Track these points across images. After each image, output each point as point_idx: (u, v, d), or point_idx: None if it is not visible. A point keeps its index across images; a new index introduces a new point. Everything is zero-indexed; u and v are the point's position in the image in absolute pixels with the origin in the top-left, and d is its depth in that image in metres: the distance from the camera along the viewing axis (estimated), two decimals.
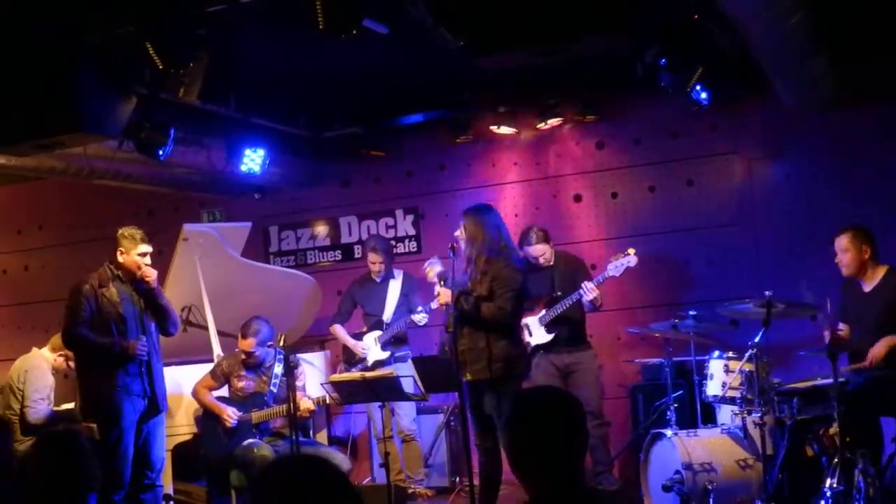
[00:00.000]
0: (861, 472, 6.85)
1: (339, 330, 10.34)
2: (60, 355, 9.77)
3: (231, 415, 8.78)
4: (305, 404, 8.72)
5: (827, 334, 7.53)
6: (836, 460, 7.02)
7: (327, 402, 8.92)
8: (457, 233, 7.90)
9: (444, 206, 11.24)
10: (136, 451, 8.07)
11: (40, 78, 7.74)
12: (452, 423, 10.43)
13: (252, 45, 8.41)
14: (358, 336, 10.19)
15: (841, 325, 7.94)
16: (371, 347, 10.04)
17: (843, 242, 7.95)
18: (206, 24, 7.43)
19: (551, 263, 9.46)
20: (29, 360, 9.72)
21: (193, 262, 9.73)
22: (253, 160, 10.04)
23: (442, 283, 7.76)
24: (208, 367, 9.20)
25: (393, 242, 11.31)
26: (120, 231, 8.16)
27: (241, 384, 8.97)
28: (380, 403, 8.40)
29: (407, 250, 11.40)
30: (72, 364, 9.58)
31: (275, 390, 8.91)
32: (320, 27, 6.70)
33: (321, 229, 11.95)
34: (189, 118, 9.31)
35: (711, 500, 7.66)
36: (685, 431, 8.13)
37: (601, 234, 10.67)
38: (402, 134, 11.28)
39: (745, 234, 10.17)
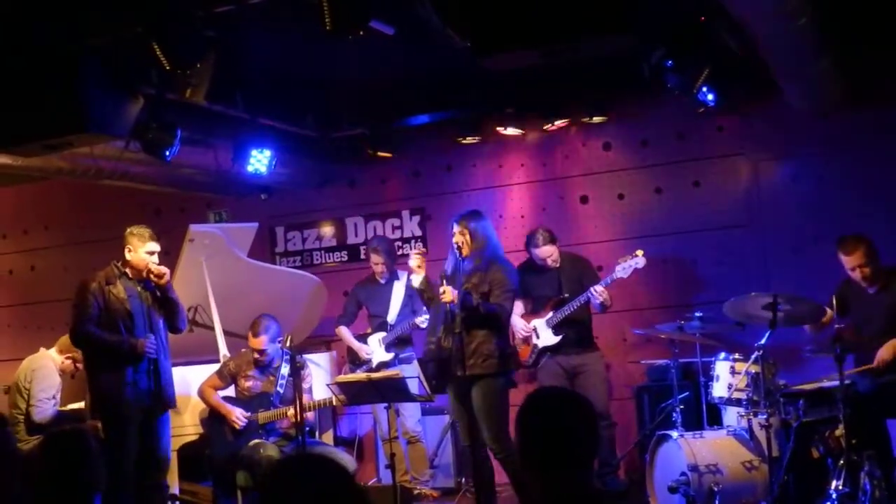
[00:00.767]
0: (867, 474, 6.86)
1: (344, 331, 10.35)
2: (68, 358, 9.77)
3: (240, 416, 8.78)
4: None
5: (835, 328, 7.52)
6: (841, 462, 7.03)
7: (333, 402, 8.92)
8: (457, 239, 7.92)
9: (451, 207, 11.20)
10: (143, 451, 8.08)
11: (47, 78, 7.74)
12: (458, 424, 10.41)
13: (259, 45, 8.41)
14: (363, 337, 10.20)
15: (840, 323, 7.92)
16: (375, 349, 10.05)
17: (858, 259, 7.88)
18: (213, 25, 7.43)
19: (558, 265, 9.46)
20: (36, 361, 9.73)
21: (200, 262, 9.74)
22: (259, 161, 10.04)
23: (444, 281, 7.77)
24: (214, 367, 9.20)
25: (399, 243, 11.31)
26: (129, 229, 8.18)
27: (247, 384, 8.97)
28: (385, 405, 8.39)
29: (413, 251, 11.38)
30: (79, 366, 9.58)
31: (281, 391, 8.91)
32: (327, 28, 6.69)
33: (327, 230, 11.96)
34: (196, 118, 9.32)
35: (717, 502, 7.68)
36: (691, 433, 8.13)
37: (607, 235, 10.65)
38: (409, 135, 11.27)
39: (751, 235, 10.15)
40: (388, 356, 9.99)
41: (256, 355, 8.94)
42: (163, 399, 8.21)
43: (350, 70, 9.30)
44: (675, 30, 8.26)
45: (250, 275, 10.21)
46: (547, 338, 9.21)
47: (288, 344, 8.39)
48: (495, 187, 11.12)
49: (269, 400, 8.89)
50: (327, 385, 8.75)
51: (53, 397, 9.62)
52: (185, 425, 9.24)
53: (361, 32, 6.81)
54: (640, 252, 9.14)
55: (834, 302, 7.90)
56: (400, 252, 11.12)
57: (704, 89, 8.82)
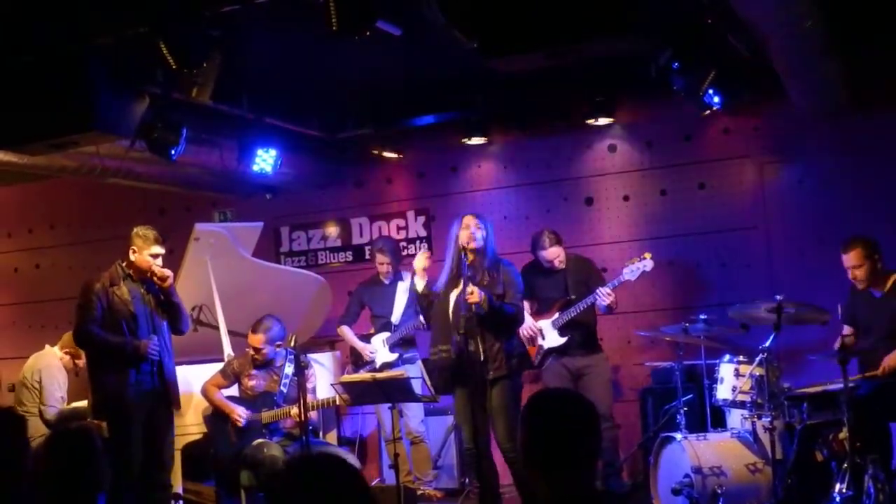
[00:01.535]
0: (871, 477, 6.85)
1: (346, 331, 10.34)
2: (67, 352, 9.80)
3: (241, 414, 8.78)
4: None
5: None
6: (845, 465, 7.03)
7: (336, 402, 8.93)
8: (476, 233, 7.94)
9: (456, 208, 11.20)
10: (146, 451, 8.08)
11: (53, 77, 7.76)
12: (462, 428, 10.41)
13: (265, 45, 8.41)
14: (366, 338, 10.20)
15: (846, 330, 7.92)
16: (379, 349, 10.04)
17: (854, 258, 7.93)
18: (219, 24, 7.43)
19: (564, 266, 9.45)
20: (42, 359, 9.75)
21: (205, 261, 9.74)
22: (265, 160, 10.05)
23: (468, 282, 7.77)
24: (218, 366, 9.20)
25: (404, 244, 11.31)
26: (135, 230, 8.17)
27: (251, 383, 8.97)
28: (389, 405, 8.39)
29: (418, 251, 11.38)
30: (79, 362, 9.61)
31: (285, 390, 8.90)
32: (334, 28, 6.70)
33: (332, 230, 11.96)
34: (201, 118, 9.34)
35: None
36: (695, 435, 8.13)
37: (612, 237, 10.65)
38: (415, 135, 11.28)
39: (756, 237, 10.15)
40: (392, 357, 9.98)
41: (253, 352, 8.94)
42: (167, 400, 8.22)
43: (356, 70, 9.30)
44: (682, 32, 8.25)
45: (255, 274, 10.21)
46: (553, 339, 9.20)
47: (292, 343, 8.39)
48: (500, 188, 11.12)
49: (273, 399, 8.88)
50: (332, 385, 8.75)
51: (61, 395, 9.64)
52: (188, 424, 9.24)
53: (368, 33, 6.81)
54: (647, 255, 9.13)
55: (847, 313, 7.93)
56: (405, 253, 11.12)
57: (710, 91, 8.81)
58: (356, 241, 11.86)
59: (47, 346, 9.92)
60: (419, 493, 9.72)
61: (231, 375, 9.06)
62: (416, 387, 8.16)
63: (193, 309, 9.99)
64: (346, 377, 8.86)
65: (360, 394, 8.28)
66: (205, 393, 9.04)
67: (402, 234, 11.52)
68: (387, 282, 10.25)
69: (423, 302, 8.31)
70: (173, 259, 9.54)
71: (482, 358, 7.70)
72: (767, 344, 7.66)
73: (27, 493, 4.87)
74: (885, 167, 9.62)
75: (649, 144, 10.60)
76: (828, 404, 7.62)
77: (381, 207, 11.78)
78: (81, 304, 8.11)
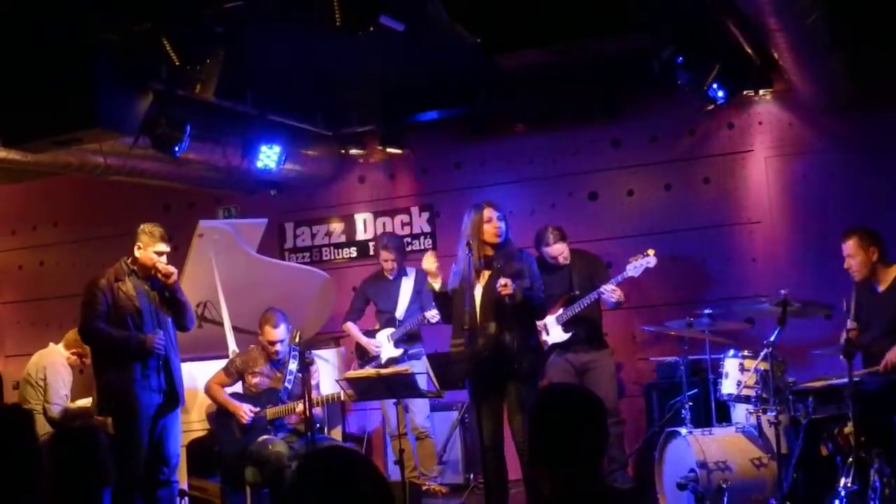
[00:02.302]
0: (877, 471, 6.84)
1: (351, 327, 10.35)
2: (74, 353, 9.81)
3: (247, 411, 8.79)
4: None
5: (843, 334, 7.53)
6: (850, 460, 7.02)
7: (341, 398, 8.93)
8: (501, 224, 7.85)
9: (460, 204, 11.16)
10: (152, 447, 8.10)
11: (57, 74, 7.76)
12: (467, 420, 10.43)
13: (269, 41, 8.41)
14: (371, 333, 10.20)
15: (849, 324, 7.92)
16: (384, 345, 10.05)
17: (849, 248, 7.95)
18: (222, 21, 7.43)
19: (568, 262, 9.46)
20: (46, 356, 9.76)
21: (209, 258, 9.75)
22: (269, 157, 10.06)
23: (500, 274, 7.70)
24: (222, 363, 9.20)
25: (408, 240, 11.31)
26: (142, 226, 8.18)
27: (255, 380, 8.97)
28: (394, 401, 8.38)
29: (422, 247, 11.37)
30: (86, 360, 9.61)
31: (289, 387, 8.91)
32: (337, 24, 6.70)
33: (336, 226, 11.95)
34: (205, 115, 9.33)
35: (726, 499, 7.66)
36: (700, 430, 8.12)
37: (617, 232, 10.64)
38: (418, 131, 11.27)
39: (761, 232, 10.14)
40: (397, 352, 9.99)
41: (276, 346, 8.90)
42: (172, 396, 8.23)
43: (359, 66, 9.30)
44: (686, 27, 8.25)
45: (259, 270, 10.21)
46: (557, 334, 9.20)
47: (297, 340, 8.40)
48: (504, 184, 11.10)
49: (277, 396, 8.89)
50: (337, 381, 8.75)
51: (66, 392, 9.65)
52: (193, 421, 9.24)
53: (371, 29, 6.81)
54: (651, 251, 9.13)
55: (852, 307, 7.91)
56: (409, 248, 11.12)
57: (715, 86, 8.79)
58: (360, 237, 11.86)
59: (51, 344, 9.93)
60: (424, 488, 9.72)
61: (235, 373, 9.05)
62: (422, 382, 8.14)
63: (198, 305, 9.99)
64: (351, 373, 8.85)
65: (365, 390, 8.28)
66: (209, 391, 9.04)
67: (407, 230, 11.51)
68: (391, 277, 10.24)
69: (441, 300, 8.15)
70: (177, 256, 9.55)
71: (514, 352, 7.65)
72: (772, 338, 7.64)
73: (38, 489, 4.87)
74: (890, 162, 9.60)
75: (653, 139, 10.58)
76: (833, 399, 7.60)
77: (386, 203, 11.78)
78: (86, 300, 8.12)
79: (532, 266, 7.98)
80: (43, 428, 9.29)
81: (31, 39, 7.61)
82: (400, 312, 10.12)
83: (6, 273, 13.45)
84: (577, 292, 9.24)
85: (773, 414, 7.60)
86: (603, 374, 9.33)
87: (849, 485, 6.95)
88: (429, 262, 8.02)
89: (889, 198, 9.47)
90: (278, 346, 8.91)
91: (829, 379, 7.78)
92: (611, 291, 9.06)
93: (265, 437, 8.71)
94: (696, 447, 7.87)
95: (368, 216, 11.83)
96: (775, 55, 8.15)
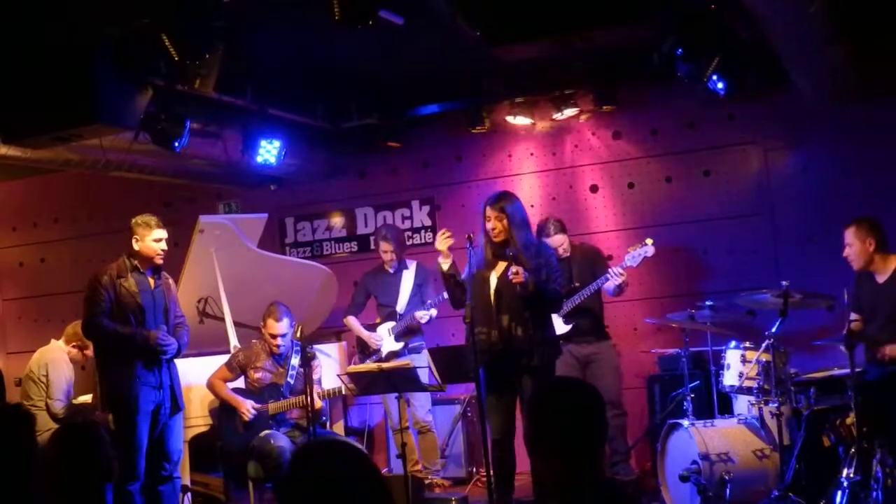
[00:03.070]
0: (879, 462, 6.84)
1: (353, 321, 10.34)
2: (74, 346, 9.82)
3: (249, 408, 8.79)
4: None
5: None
6: (853, 450, 7.02)
7: (343, 392, 8.94)
8: (492, 225, 7.75)
9: (461, 197, 11.25)
10: (154, 443, 8.10)
11: (57, 70, 7.76)
12: (469, 414, 10.44)
13: (268, 35, 8.41)
14: (372, 327, 10.20)
15: (853, 316, 7.92)
16: (385, 338, 10.05)
17: (848, 236, 7.97)
18: (222, 15, 7.43)
19: (568, 254, 9.46)
20: (49, 353, 9.76)
21: (210, 253, 9.75)
22: (269, 151, 10.05)
23: (511, 263, 7.62)
24: (224, 358, 9.21)
25: (409, 233, 11.31)
26: (134, 220, 8.17)
27: (257, 375, 8.97)
28: (396, 395, 8.38)
29: (423, 241, 11.40)
30: (87, 353, 9.63)
31: (291, 381, 8.92)
32: (336, 18, 6.70)
33: (337, 220, 11.96)
34: (205, 109, 9.34)
35: (728, 491, 7.66)
36: (702, 422, 8.13)
37: (617, 224, 10.65)
38: (419, 125, 11.28)
39: (762, 224, 10.15)
40: (398, 345, 9.99)
41: (279, 340, 8.90)
42: (174, 392, 8.23)
43: (360, 60, 9.30)
44: (686, 18, 8.24)
45: (260, 265, 10.21)
46: (558, 327, 9.18)
47: (298, 334, 8.40)
48: (505, 177, 11.11)
49: (279, 391, 8.90)
50: (338, 375, 8.76)
51: (68, 389, 9.65)
52: (195, 416, 9.25)
53: (371, 22, 6.81)
54: (649, 241, 9.14)
55: (852, 299, 7.92)
56: (410, 242, 11.13)
57: (715, 78, 8.78)
58: (361, 231, 11.86)
59: (53, 341, 9.93)
60: (427, 482, 9.72)
61: (237, 368, 9.06)
62: (423, 376, 8.13)
63: (199, 301, 10.02)
64: (353, 367, 8.86)
65: (366, 384, 8.27)
66: (211, 387, 9.04)
67: (408, 224, 11.52)
68: (391, 271, 10.24)
69: (449, 282, 7.89)
70: (178, 251, 9.59)
71: (528, 345, 7.63)
72: (774, 330, 7.65)
73: (35, 491, 4.87)
74: (891, 154, 9.60)
75: (654, 132, 10.59)
76: (835, 389, 7.63)
77: (386, 197, 11.78)
78: (89, 296, 8.12)
79: (550, 259, 7.87)
80: (45, 424, 9.29)
81: (32, 35, 7.61)
82: (401, 306, 10.12)
83: (7, 270, 13.45)
84: (577, 284, 9.24)
85: (776, 405, 7.62)
86: (606, 366, 9.34)
87: (851, 475, 6.95)
88: (441, 241, 7.89)
89: (890, 189, 9.46)
90: (280, 340, 8.91)
91: (831, 370, 7.79)
92: (617, 275, 9.05)
93: (267, 431, 8.72)
94: (699, 439, 7.87)
95: (369, 210, 11.83)
96: (775, 47, 8.14)
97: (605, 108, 10.45)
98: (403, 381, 8.09)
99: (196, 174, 10.80)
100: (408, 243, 10.97)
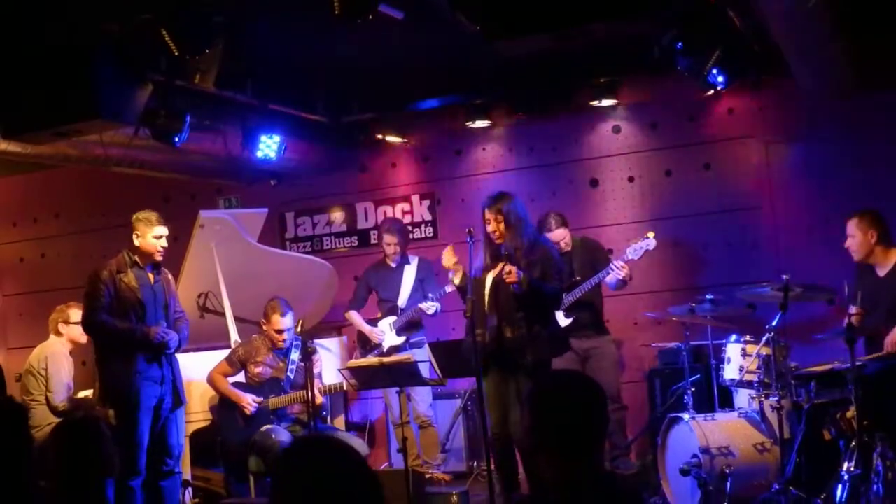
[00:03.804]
0: (879, 455, 6.84)
1: (354, 316, 10.34)
2: (60, 324, 9.80)
3: (250, 402, 8.80)
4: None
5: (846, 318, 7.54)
6: (853, 444, 7.02)
7: (343, 388, 8.94)
8: (492, 228, 7.79)
9: (461, 192, 11.24)
10: (155, 438, 8.11)
11: (57, 66, 7.76)
12: (469, 409, 10.44)
13: (268, 30, 8.40)
14: (373, 322, 10.20)
15: (853, 309, 7.92)
16: (386, 333, 10.05)
17: (850, 227, 7.99)
18: (222, 10, 7.43)
19: (570, 249, 9.46)
20: (48, 347, 9.75)
21: (210, 248, 9.75)
22: (269, 146, 10.05)
23: (507, 261, 7.64)
24: (225, 353, 9.21)
25: (410, 228, 11.30)
26: (135, 215, 8.19)
27: (258, 370, 8.98)
28: (396, 389, 8.38)
29: (423, 235, 11.39)
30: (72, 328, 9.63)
31: (292, 376, 8.93)
32: (336, 12, 6.70)
33: (337, 215, 11.95)
34: (205, 104, 9.33)
35: (729, 484, 7.66)
36: (702, 415, 8.13)
37: (618, 218, 10.64)
38: (419, 119, 11.28)
39: (762, 217, 10.14)
40: (399, 340, 10.00)
41: (283, 335, 8.91)
42: (175, 387, 8.24)
43: (359, 55, 9.29)
44: (686, 12, 8.23)
45: (261, 260, 10.21)
46: (559, 320, 9.19)
47: (299, 329, 8.41)
48: (505, 171, 11.10)
49: (280, 385, 8.90)
50: (339, 370, 8.76)
51: (68, 383, 9.65)
52: (195, 411, 9.26)
53: (370, 17, 6.80)
54: (650, 234, 9.14)
55: (854, 292, 7.92)
56: (410, 237, 11.12)
57: (715, 71, 8.79)
58: (361, 225, 11.85)
59: (52, 336, 9.92)
60: (427, 476, 9.71)
61: (237, 363, 9.06)
62: (424, 370, 8.13)
63: (199, 296, 10.03)
64: (354, 362, 8.84)
65: (367, 379, 8.27)
66: (211, 381, 9.04)
67: (408, 219, 11.50)
68: (393, 265, 10.25)
69: (462, 292, 8.04)
70: (179, 246, 9.58)
71: (520, 344, 7.64)
72: (774, 323, 7.65)
73: (31, 485, 4.88)
74: (891, 147, 9.59)
75: (654, 125, 10.58)
76: (835, 383, 7.61)
77: (387, 192, 11.77)
78: (89, 291, 8.14)
79: (550, 255, 7.89)
80: (46, 419, 9.30)
81: (32, 31, 7.60)
82: (402, 301, 10.13)
83: (8, 265, 13.45)
84: (578, 278, 9.25)
85: (776, 399, 7.62)
86: (606, 361, 9.35)
87: (852, 469, 6.95)
88: (446, 260, 7.95)
89: (890, 183, 9.46)
90: (285, 335, 8.92)
91: (832, 363, 7.79)
92: (620, 268, 9.05)
93: (268, 426, 8.73)
94: (699, 433, 7.87)
95: (369, 205, 11.82)
96: (775, 41, 8.13)
97: (605, 101, 10.44)
98: (404, 376, 8.09)
99: (196, 169, 10.80)
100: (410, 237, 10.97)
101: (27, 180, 12.93)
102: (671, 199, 10.46)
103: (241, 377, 9.09)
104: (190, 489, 9.10)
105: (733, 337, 8.24)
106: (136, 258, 8.16)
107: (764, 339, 7.75)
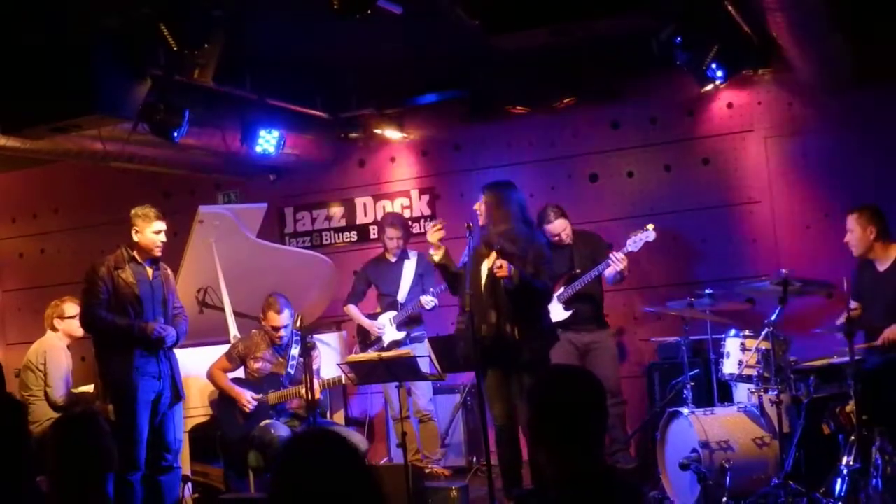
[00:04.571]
0: (878, 449, 6.85)
1: (353, 310, 10.34)
2: (56, 319, 9.81)
3: (249, 400, 8.80)
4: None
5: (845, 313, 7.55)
6: (852, 438, 7.03)
7: (342, 382, 8.94)
8: (476, 206, 7.86)
9: (460, 186, 11.23)
10: (154, 433, 8.12)
11: (56, 61, 7.75)
12: (469, 403, 10.44)
13: (267, 25, 8.40)
14: (373, 317, 10.20)
15: (852, 304, 7.93)
16: (386, 327, 10.05)
17: (849, 222, 8.01)
18: (221, 5, 7.42)
19: (570, 241, 9.46)
20: (46, 342, 9.75)
21: (209, 243, 9.75)
22: (268, 141, 10.04)
23: (498, 255, 7.65)
24: (224, 348, 9.21)
25: (409, 223, 11.29)
26: (133, 210, 8.20)
27: (257, 365, 8.98)
28: (396, 384, 8.38)
29: (423, 230, 11.37)
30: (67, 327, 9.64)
31: (291, 371, 8.93)
32: (335, 7, 6.69)
33: (336, 210, 11.95)
34: (204, 99, 9.32)
35: (728, 479, 7.66)
36: (702, 410, 8.12)
37: (617, 213, 10.63)
38: (418, 114, 11.27)
39: (761, 212, 10.13)
40: (400, 335, 10.00)
41: (280, 332, 8.91)
42: (174, 382, 8.24)
43: (359, 50, 9.29)
44: (685, 6, 8.22)
45: (260, 255, 10.20)
46: (558, 313, 9.18)
47: (298, 324, 8.41)
48: (504, 166, 11.08)
49: (279, 381, 8.90)
50: (338, 365, 8.76)
51: (67, 377, 9.65)
52: (194, 406, 9.26)
53: (369, 12, 6.80)
54: (650, 226, 9.15)
55: (852, 287, 7.93)
56: (411, 232, 11.12)
57: (713, 66, 8.79)
58: (360, 220, 11.85)
59: (49, 332, 9.91)
60: (427, 471, 9.71)
61: (237, 358, 9.06)
62: (424, 365, 8.14)
63: (199, 291, 10.02)
64: (353, 357, 8.85)
65: (367, 373, 8.27)
66: (211, 377, 9.04)
67: (407, 213, 11.49)
68: (393, 260, 10.25)
69: (443, 272, 8.14)
70: (178, 242, 9.59)
71: (517, 341, 7.64)
72: (773, 318, 7.65)
73: (30, 481, 4.88)
74: (890, 140, 9.59)
75: (653, 120, 10.57)
76: (834, 377, 7.63)
77: (386, 186, 11.78)
78: (86, 287, 8.15)
79: (541, 248, 7.90)
80: (45, 414, 9.31)
81: (31, 26, 7.59)
82: (402, 295, 10.13)
83: (7, 261, 13.46)
84: (578, 271, 9.25)
85: (775, 393, 7.61)
86: (605, 355, 9.35)
87: (851, 463, 6.97)
88: (432, 234, 7.98)
89: (890, 177, 9.46)
90: (282, 332, 8.92)
91: (831, 358, 7.79)
92: (618, 260, 9.05)
93: (268, 421, 8.73)
94: (698, 427, 7.87)
95: (368, 199, 11.82)
96: (774, 34, 8.13)
97: (603, 97, 10.43)
98: (403, 371, 8.09)
99: (195, 164, 10.80)
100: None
101: (26, 176, 12.93)
102: (670, 193, 10.46)
103: (240, 373, 9.09)
104: (189, 484, 9.10)
105: (732, 331, 8.24)
106: (134, 254, 8.17)
107: (763, 333, 7.74)
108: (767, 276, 7.99)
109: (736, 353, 8.07)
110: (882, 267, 7.97)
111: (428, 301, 9.78)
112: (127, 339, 8.03)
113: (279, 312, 8.89)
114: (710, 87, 9.47)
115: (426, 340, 9.86)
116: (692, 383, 8.41)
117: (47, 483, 4.77)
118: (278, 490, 3.10)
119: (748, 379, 8.00)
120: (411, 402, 9.92)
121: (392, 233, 10.20)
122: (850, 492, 6.96)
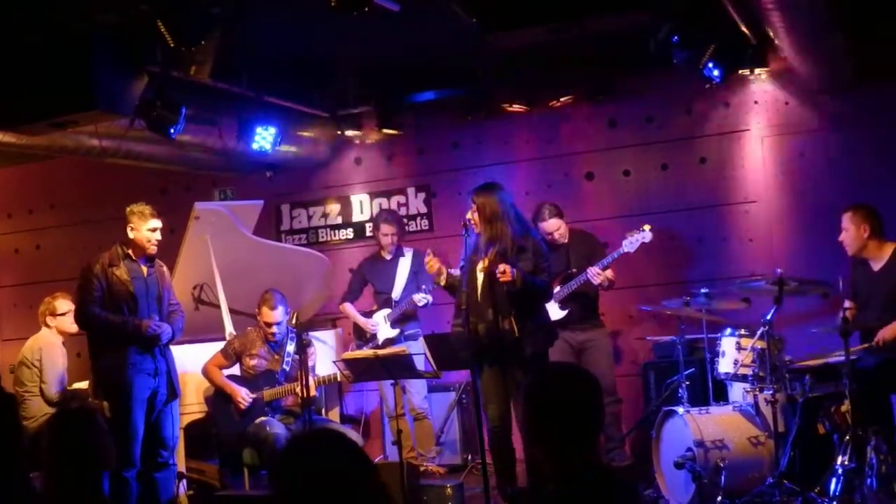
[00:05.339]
0: (873, 449, 6.86)
1: (349, 308, 10.36)
2: (49, 316, 9.81)
3: (245, 397, 8.80)
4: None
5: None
6: (847, 438, 7.04)
7: (339, 380, 8.94)
8: (469, 214, 7.83)
9: (457, 185, 11.22)
10: (149, 430, 8.11)
11: (53, 57, 7.74)
12: (464, 401, 10.45)
13: (265, 22, 8.39)
14: (368, 315, 10.21)
15: (847, 303, 7.94)
16: (381, 325, 10.06)
17: (843, 222, 8.02)
18: (218, 2, 7.41)
19: (566, 240, 9.46)
20: (41, 339, 9.75)
21: (205, 240, 9.74)
22: (264, 138, 10.03)
23: (502, 259, 7.65)
24: (220, 345, 9.21)
25: (405, 221, 11.29)
26: (129, 208, 8.20)
27: (252, 362, 8.98)
28: (391, 381, 8.38)
29: (419, 228, 11.39)
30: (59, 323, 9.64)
31: (287, 368, 8.93)
32: (332, 4, 6.69)
33: (333, 207, 11.94)
34: (201, 96, 9.30)
35: (723, 478, 7.66)
36: (697, 409, 8.13)
37: (613, 212, 10.63)
38: (415, 111, 11.26)
39: (758, 211, 10.14)
40: (394, 332, 10.01)
41: (273, 329, 8.92)
42: (169, 379, 8.24)
43: (356, 47, 9.28)
44: (683, 5, 8.22)
45: (256, 253, 10.20)
46: (553, 312, 9.17)
47: (294, 321, 8.41)
48: (501, 164, 11.09)
49: (275, 378, 8.90)
50: (334, 362, 8.76)
51: (62, 374, 9.65)
52: (190, 403, 9.26)
53: (366, 9, 6.79)
54: (646, 226, 9.15)
55: (848, 287, 7.94)
56: (407, 229, 11.11)
57: (710, 65, 8.79)
58: (357, 218, 11.84)
59: (44, 328, 9.90)
60: (422, 469, 9.71)
61: (232, 355, 9.07)
62: (419, 363, 8.14)
63: (194, 288, 10.01)
64: (348, 354, 8.85)
65: (362, 371, 8.27)
66: (206, 373, 9.05)
67: (403, 211, 11.48)
68: (388, 257, 10.26)
69: (451, 292, 8.04)
70: (174, 238, 9.58)
71: (516, 338, 7.65)
72: (769, 317, 7.66)
73: (23, 475, 4.88)
74: (887, 140, 9.60)
75: (649, 119, 10.58)
76: (830, 377, 7.63)
77: (382, 184, 11.77)
78: (81, 285, 8.16)
79: (538, 245, 7.89)
80: (41, 410, 9.31)
81: (28, 22, 7.58)
82: (397, 293, 10.14)
83: (3, 257, 13.44)
84: (574, 270, 9.26)
85: (770, 392, 7.63)
86: (600, 353, 9.35)
87: (846, 463, 6.98)
88: (429, 266, 7.93)
89: (887, 176, 9.47)
90: (275, 329, 8.93)
91: (826, 357, 7.80)
92: (595, 275, 9.07)
93: (263, 418, 8.74)
94: (694, 426, 7.88)
95: (365, 197, 11.82)
96: (771, 34, 8.13)
97: (600, 95, 10.44)
98: (399, 368, 8.09)
99: (191, 161, 10.78)
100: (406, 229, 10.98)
101: (22, 171, 12.91)
102: (667, 192, 10.46)
103: (235, 369, 9.09)
104: (184, 481, 9.10)
105: (728, 330, 8.25)
106: (129, 251, 8.17)
107: (759, 332, 7.76)
108: (763, 276, 7.99)
109: (731, 353, 8.08)
110: (876, 266, 7.98)
111: (420, 298, 9.79)
112: (121, 336, 8.03)
113: (273, 308, 8.89)
114: (707, 85, 9.45)
115: (421, 338, 9.85)
116: (687, 382, 8.44)
117: (43, 479, 4.77)
118: (282, 490, 3.09)
119: (743, 378, 8.01)
120: (406, 399, 9.93)
121: (386, 229, 10.21)
122: (845, 491, 6.97)
